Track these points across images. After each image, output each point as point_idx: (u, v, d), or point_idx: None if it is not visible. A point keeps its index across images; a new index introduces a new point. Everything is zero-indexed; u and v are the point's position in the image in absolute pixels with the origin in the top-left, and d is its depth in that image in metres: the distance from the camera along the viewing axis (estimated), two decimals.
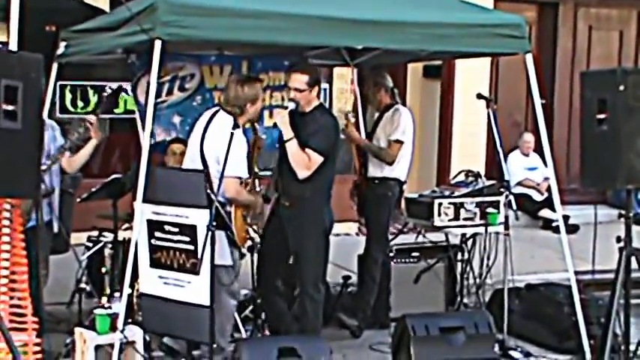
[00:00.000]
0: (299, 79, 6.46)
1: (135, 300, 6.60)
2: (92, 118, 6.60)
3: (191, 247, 5.76)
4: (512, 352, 6.95)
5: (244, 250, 6.95)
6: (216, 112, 6.40)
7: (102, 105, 6.99)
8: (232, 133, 5.86)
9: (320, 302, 6.68)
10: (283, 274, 6.85)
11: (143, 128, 7.50)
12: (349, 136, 7.69)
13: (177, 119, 7.64)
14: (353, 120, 7.75)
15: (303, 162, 6.40)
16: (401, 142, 7.54)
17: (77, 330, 6.12)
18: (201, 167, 6.14)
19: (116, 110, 10.47)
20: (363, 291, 7.64)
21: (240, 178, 6.12)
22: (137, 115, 7.77)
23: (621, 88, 6.23)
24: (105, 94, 9.46)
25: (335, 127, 6.60)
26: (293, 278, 6.81)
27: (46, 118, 6.75)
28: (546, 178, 11.23)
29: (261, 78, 7.07)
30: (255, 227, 7.03)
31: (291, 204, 6.56)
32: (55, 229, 6.70)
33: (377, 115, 7.79)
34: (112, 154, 10.97)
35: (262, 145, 6.80)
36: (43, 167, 6.46)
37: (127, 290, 5.87)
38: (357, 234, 11.01)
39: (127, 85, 8.15)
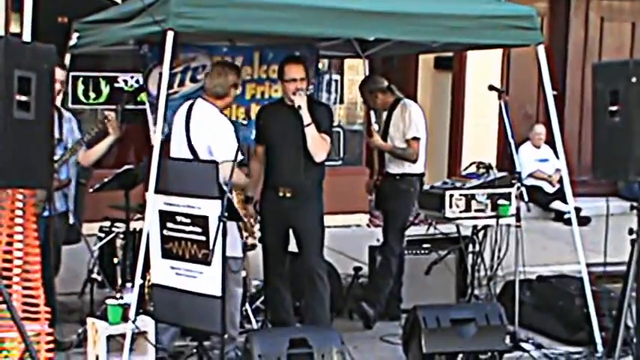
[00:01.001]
0: (300, 70, 6.58)
1: (146, 290, 6.61)
2: (111, 114, 6.64)
3: (203, 238, 5.77)
4: (523, 344, 6.94)
5: (255, 241, 6.98)
6: (193, 102, 6.45)
7: (123, 101, 7.00)
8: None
9: (328, 287, 6.74)
10: (287, 264, 6.86)
11: (153, 120, 7.53)
12: (375, 145, 7.73)
13: None
14: (376, 128, 7.79)
15: (324, 145, 6.55)
16: (418, 139, 7.57)
17: (89, 320, 6.16)
18: (190, 157, 6.21)
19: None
20: (378, 282, 7.64)
21: (235, 161, 6.14)
22: (147, 107, 7.78)
23: (633, 79, 6.23)
24: (125, 89, 9.48)
25: (332, 114, 6.81)
26: (297, 267, 6.80)
27: (64, 111, 6.80)
28: (558, 170, 11.21)
29: (237, 65, 7.19)
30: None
31: (293, 194, 6.58)
32: (71, 220, 6.73)
33: (385, 114, 7.78)
34: (125, 145, 10.96)
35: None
36: (62, 158, 6.51)
37: (138, 281, 5.90)
38: (367, 225, 11.01)
39: (139, 77, 8.15)
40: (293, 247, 6.80)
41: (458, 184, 7.58)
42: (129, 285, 6.71)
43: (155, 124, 7.30)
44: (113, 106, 7.03)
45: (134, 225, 7.10)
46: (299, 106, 6.46)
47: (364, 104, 8.46)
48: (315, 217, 6.63)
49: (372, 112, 8.01)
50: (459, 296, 7.92)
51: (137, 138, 9.03)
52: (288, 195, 6.61)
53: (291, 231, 6.73)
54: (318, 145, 6.54)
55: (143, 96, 8.21)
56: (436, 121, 12.38)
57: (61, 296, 7.24)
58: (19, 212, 5.56)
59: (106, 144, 6.72)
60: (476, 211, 7.37)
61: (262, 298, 7.30)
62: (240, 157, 6.09)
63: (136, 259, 5.98)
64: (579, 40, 12.96)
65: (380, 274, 7.67)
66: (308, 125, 6.47)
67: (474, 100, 12.00)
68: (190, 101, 6.53)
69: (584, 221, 10.51)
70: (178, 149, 6.35)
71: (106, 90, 10.40)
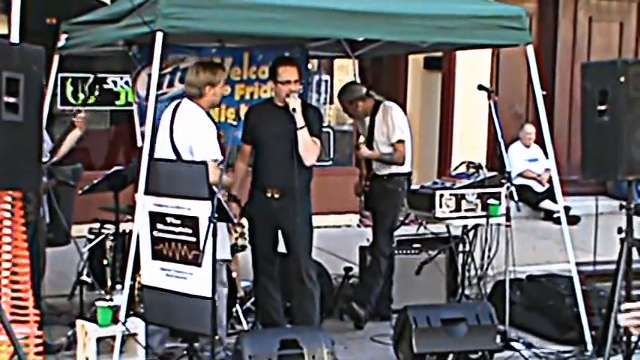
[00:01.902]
0: (294, 72, 6.56)
1: (136, 292, 6.60)
2: (82, 109, 6.63)
3: (193, 239, 5.76)
4: (513, 343, 6.95)
5: (246, 242, 6.98)
6: (179, 103, 6.45)
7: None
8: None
9: (318, 287, 6.75)
10: (276, 265, 6.85)
11: (140, 121, 7.53)
12: (363, 156, 7.74)
13: None
14: (362, 140, 7.83)
15: (315, 149, 6.56)
16: (403, 141, 7.58)
17: (79, 322, 6.15)
18: (173, 157, 6.21)
19: (117, 102, 10.48)
20: (368, 283, 7.65)
21: (215, 160, 6.14)
22: (135, 108, 7.78)
23: (622, 79, 6.24)
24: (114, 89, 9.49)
25: (321, 117, 6.84)
26: (286, 268, 6.80)
27: None
28: (547, 170, 11.23)
29: (223, 65, 7.16)
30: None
31: (281, 195, 6.58)
32: (47, 219, 6.69)
33: (368, 120, 7.78)
34: (114, 147, 10.99)
35: (222, 137, 6.84)
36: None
37: (128, 282, 5.90)
38: (358, 225, 11.02)
39: (128, 78, 8.14)
40: (282, 248, 6.80)
41: (448, 184, 7.60)
42: (119, 287, 6.70)
43: (142, 124, 7.32)
44: (103, 108, 7.03)
45: (124, 226, 7.10)
46: (293, 109, 6.44)
47: (345, 113, 8.44)
48: (304, 218, 6.62)
49: (359, 125, 8.01)
50: (450, 296, 7.93)
51: (126, 139, 9.03)
52: (276, 196, 6.61)
53: (279, 232, 6.73)
54: (309, 149, 6.53)
55: (131, 97, 8.21)
56: (426, 121, 12.42)
57: (51, 298, 7.23)
58: (7, 215, 5.54)
59: (72, 139, 6.70)
60: (466, 210, 7.38)
61: (253, 299, 7.28)
62: (219, 157, 6.11)
63: (126, 261, 6.00)
64: (568, 40, 13.00)
65: (369, 274, 7.68)
66: (301, 128, 6.47)
67: (464, 100, 12.03)
68: (177, 101, 6.53)
69: (573, 220, 10.53)
70: (162, 149, 6.33)
71: (95, 91, 10.39)
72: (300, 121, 6.46)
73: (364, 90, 7.78)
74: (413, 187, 7.78)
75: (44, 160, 6.27)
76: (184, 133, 6.25)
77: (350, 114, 7.99)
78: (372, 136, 7.70)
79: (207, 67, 6.50)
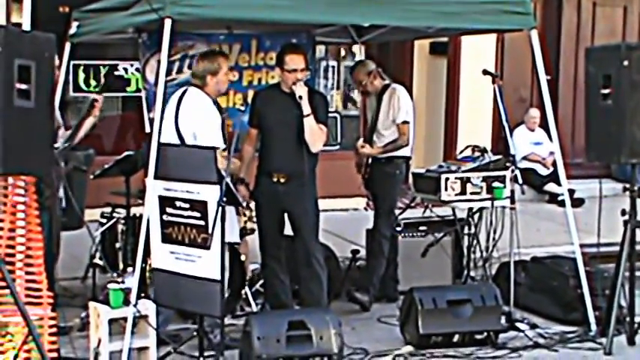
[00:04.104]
0: (301, 60, 6.60)
1: (147, 275, 6.66)
2: (100, 98, 6.70)
3: (202, 223, 5.81)
4: (518, 324, 7.00)
5: (254, 225, 7.06)
6: (186, 89, 6.55)
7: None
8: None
9: (326, 269, 6.83)
10: (283, 247, 6.94)
11: (147, 107, 7.61)
12: (365, 155, 7.82)
13: None
14: (361, 142, 7.90)
15: (321, 136, 6.61)
16: (408, 122, 7.66)
17: (91, 304, 6.20)
18: (177, 143, 6.31)
19: (128, 89, 10.57)
20: (372, 265, 7.72)
21: (219, 148, 6.23)
22: (143, 94, 7.85)
23: (625, 63, 6.32)
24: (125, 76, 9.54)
25: (327, 104, 6.89)
26: (294, 251, 6.88)
27: None
28: (552, 153, 11.28)
29: (225, 53, 7.22)
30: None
31: (287, 179, 6.65)
32: (64, 204, 6.77)
33: (375, 101, 7.85)
34: (125, 132, 11.07)
35: (230, 125, 6.92)
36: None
37: (139, 265, 5.95)
38: (365, 209, 11.06)
39: (138, 65, 8.22)
40: (289, 230, 6.87)
41: (453, 168, 7.63)
42: (130, 269, 6.78)
43: (149, 110, 7.40)
44: (114, 94, 7.09)
45: (135, 210, 7.17)
46: (300, 97, 6.49)
47: (357, 89, 8.48)
48: (310, 201, 6.69)
49: (369, 102, 8.05)
50: (455, 278, 7.98)
51: (136, 125, 9.12)
52: (282, 180, 6.67)
53: (286, 215, 6.82)
54: (315, 137, 6.58)
55: (141, 84, 8.28)
56: (432, 105, 12.47)
57: (64, 281, 7.35)
58: (20, 199, 5.63)
59: (87, 125, 6.79)
60: (471, 193, 7.41)
61: (261, 281, 7.36)
62: (221, 145, 6.20)
63: (137, 244, 6.04)
64: (572, 25, 13.03)
65: (372, 256, 7.76)
66: (307, 116, 6.52)
67: (469, 85, 12.05)
68: (184, 88, 6.62)
69: (577, 203, 10.58)
70: (167, 134, 6.38)
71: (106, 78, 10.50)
72: (306, 108, 6.51)
73: (375, 66, 7.86)
74: (419, 170, 7.83)
75: (60, 145, 6.37)
76: (189, 120, 6.36)
77: (365, 90, 7.99)
78: (377, 116, 7.78)
79: (207, 57, 6.64)
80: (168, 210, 5.99)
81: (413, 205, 8.41)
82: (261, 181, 6.77)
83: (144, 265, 6.33)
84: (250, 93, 7.84)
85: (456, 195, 7.40)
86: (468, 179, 7.41)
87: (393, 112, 7.64)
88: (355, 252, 8.09)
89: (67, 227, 6.95)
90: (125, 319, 5.94)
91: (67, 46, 7.27)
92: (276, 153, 6.68)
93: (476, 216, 7.76)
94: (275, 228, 6.83)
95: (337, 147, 11.38)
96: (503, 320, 6.80)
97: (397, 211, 7.93)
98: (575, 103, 12.64)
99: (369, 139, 7.85)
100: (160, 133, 5.96)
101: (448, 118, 12.48)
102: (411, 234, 7.95)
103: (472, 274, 7.83)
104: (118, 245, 7.25)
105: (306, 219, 6.71)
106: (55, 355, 5.50)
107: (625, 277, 6.64)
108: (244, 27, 7.74)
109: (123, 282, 6.22)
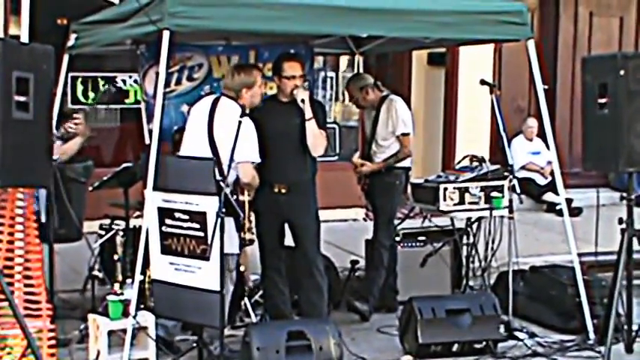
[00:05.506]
0: (298, 67, 6.66)
1: (146, 286, 6.69)
2: (79, 116, 6.70)
3: (201, 234, 5.82)
4: (517, 333, 7.01)
5: (253, 236, 7.06)
6: (218, 98, 6.47)
7: (104, 97, 7.09)
8: (240, 121, 5.98)
9: (326, 279, 6.84)
10: (283, 258, 6.94)
11: (147, 119, 7.62)
12: (365, 172, 7.81)
13: (185, 108, 7.71)
14: (357, 156, 7.99)
15: (323, 140, 6.62)
16: (408, 134, 7.68)
17: (90, 316, 6.22)
18: (209, 154, 6.18)
19: (126, 100, 10.60)
20: (372, 275, 7.73)
21: (254, 162, 6.24)
22: (142, 106, 7.87)
23: (622, 72, 6.34)
24: (124, 88, 9.55)
25: (325, 112, 6.90)
26: (295, 261, 6.89)
27: None
28: (549, 162, 11.29)
29: (259, 66, 7.16)
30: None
31: (288, 190, 6.67)
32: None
33: (373, 113, 7.86)
34: (123, 143, 11.09)
35: None
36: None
37: (138, 277, 5.96)
38: (364, 219, 11.09)
39: (137, 76, 8.24)
40: (290, 241, 6.88)
41: (452, 178, 7.63)
42: (129, 281, 6.78)
43: (149, 122, 7.41)
44: (112, 106, 7.11)
45: (134, 222, 7.16)
46: (302, 100, 6.50)
47: (351, 102, 8.50)
48: (311, 212, 6.71)
49: (366, 115, 8.05)
50: (454, 287, 7.99)
51: (135, 136, 9.14)
52: (283, 191, 6.68)
53: (286, 225, 6.82)
54: (317, 140, 6.59)
55: (139, 95, 8.29)
56: (430, 115, 12.49)
57: (63, 293, 7.33)
58: (19, 211, 5.64)
59: (76, 144, 6.78)
60: (469, 203, 7.41)
61: (261, 292, 7.36)
62: (258, 160, 6.19)
63: (136, 256, 6.04)
64: (569, 35, 13.06)
65: (371, 266, 7.77)
66: (309, 119, 6.53)
67: (467, 95, 12.08)
68: (213, 96, 6.55)
69: (575, 212, 10.61)
70: (196, 144, 6.32)
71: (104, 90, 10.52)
72: (308, 112, 6.53)
73: (372, 80, 7.88)
74: (417, 180, 7.84)
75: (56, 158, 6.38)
76: (226, 133, 6.17)
77: (358, 104, 8.02)
78: (375, 129, 7.80)
79: (242, 70, 6.54)
80: (168, 221, 5.99)
81: (412, 215, 8.43)
82: (262, 191, 6.76)
83: (143, 276, 6.33)
84: None
85: (455, 205, 7.40)
86: (467, 189, 7.41)
87: (391, 123, 7.66)
88: (354, 262, 8.11)
89: (65, 239, 6.95)
90: (124, 330, 5.94)
91: (66, 58, 7.28)
92: (277, 163, 6.66)
93: (474, 226, 7.77)
94: (275, 239, 6.85)
95: (336, 157, 11.40)
96: (502, 329, 6.81)
97: (396, 221, 7.93)
98: (573, 112, 12.66)
99: (367, 152, 7.86)
100: (181, 141, 5.88)
101: (446, 128, 12.50)
102: (410, 244, 7.95)
103: (471, 283, 7.85)
104: (117, 257, 7.25)
105: (307, 229, 6.72)
106: None
107: (623, 286, 6.64)
108: (242, 38, 7.75)
109: (122, 294, 6.21)
